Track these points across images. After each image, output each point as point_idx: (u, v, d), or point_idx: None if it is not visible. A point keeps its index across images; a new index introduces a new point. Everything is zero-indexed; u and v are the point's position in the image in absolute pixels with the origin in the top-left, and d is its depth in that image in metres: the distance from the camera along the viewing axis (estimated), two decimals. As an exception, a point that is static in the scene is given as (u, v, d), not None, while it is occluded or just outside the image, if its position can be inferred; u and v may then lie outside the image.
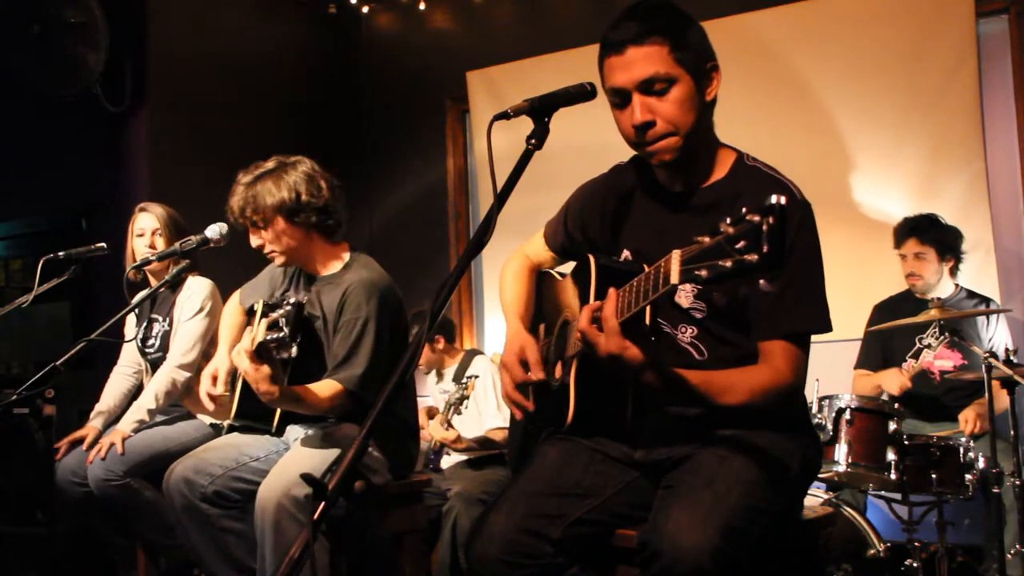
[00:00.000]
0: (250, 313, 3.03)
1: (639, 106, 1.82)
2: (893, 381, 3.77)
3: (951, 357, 3.84)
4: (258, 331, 2.49)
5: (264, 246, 2.87)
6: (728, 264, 1.31)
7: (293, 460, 2.75)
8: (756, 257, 1.28)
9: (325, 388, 2.71)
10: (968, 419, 3.65)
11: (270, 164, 2.88)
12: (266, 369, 2.45)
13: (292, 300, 2.61)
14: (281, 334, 2.46)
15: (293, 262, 2.94)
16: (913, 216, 4.04)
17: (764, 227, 1.28)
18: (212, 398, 2.82)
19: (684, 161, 1.88)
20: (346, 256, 2.97)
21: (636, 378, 1.65)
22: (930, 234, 3.92)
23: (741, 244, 1.30)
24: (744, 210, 1.31)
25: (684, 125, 1.83)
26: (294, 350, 2.53)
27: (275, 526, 2.58)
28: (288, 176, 2.84)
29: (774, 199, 1.28)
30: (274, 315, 2.52)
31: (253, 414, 2.85)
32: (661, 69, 1.79)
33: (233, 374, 2.92)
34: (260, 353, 2.46)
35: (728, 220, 1.33)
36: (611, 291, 1.63)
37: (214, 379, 2.84)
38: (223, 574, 2.87)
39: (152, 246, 3.51)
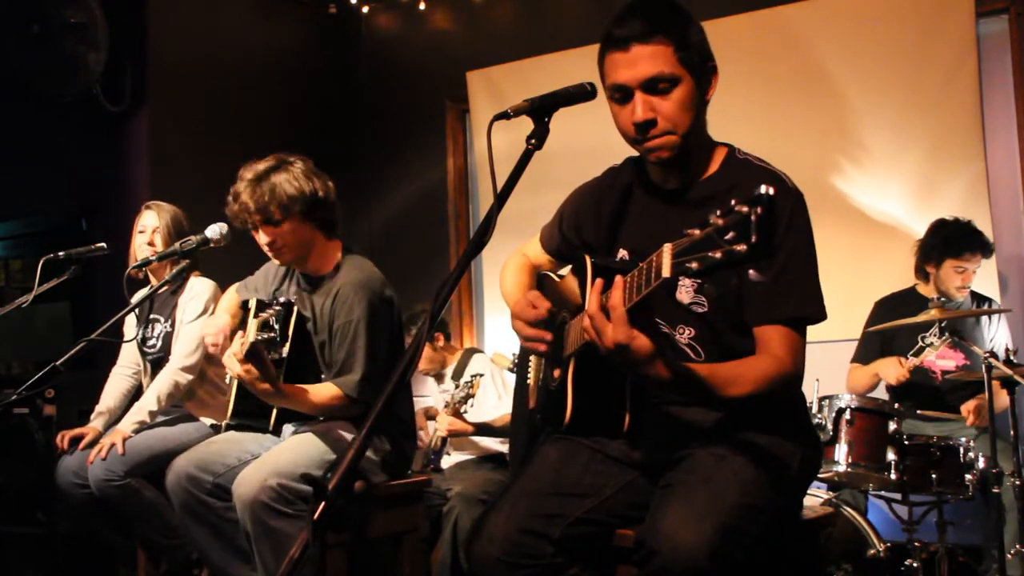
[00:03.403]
0: (244, 308, 3.05)
1: (641, 104, 1.82)
2: (891, 371, 3.75)
3: (953, 357, 3.84)
4: (249, 332, 2.51)
5: (275, 242, 2.82)
6: (718, 255, 1.32)
7: (272, 455, 2.77)
8: (745, 247, 1.29)
9: (324, 390, 2.75)
10: (970, 409, 3.65)
11: (270, 161, 2.85)
12: (255, 371, 2.49)
13: (283, 300, 2.62)
14: (272, 335, 2.49)
15: (295, 260, 2.93)
16: (972, 227, 3.91)
17: (752, 217, 1.28)
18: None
19: (679, 159, 1.89)
20: (339, 256, 2.97)
21: (642, 370, 1.60)
22: (989, 248, 3.91)
23: (730, 235, 1.30)
24: (733, 202, 1.31)
25: (683, 125, 1.84)
26: (285, 350, 2.55)
27: (254, 519, 2.59)
28: (295, 171, 2.83)
29: (762, 189, 1.29)
30: (264, 315, 2.54)
31: (250, 413, 2.87)
32: (666, 69, 1.80)
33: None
34: (250, 355, 2.48)
35: (718, 212, 1.33)
36: (618, 279, 1.59)
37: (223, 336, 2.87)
38: (228, 566, 2.88)
39: (151, 244, 3.51)
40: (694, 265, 1.36)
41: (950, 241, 3.89)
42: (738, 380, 1.74)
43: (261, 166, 2.83)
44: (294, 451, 2.76)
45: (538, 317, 1.90)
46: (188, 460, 2.89)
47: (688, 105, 1.83)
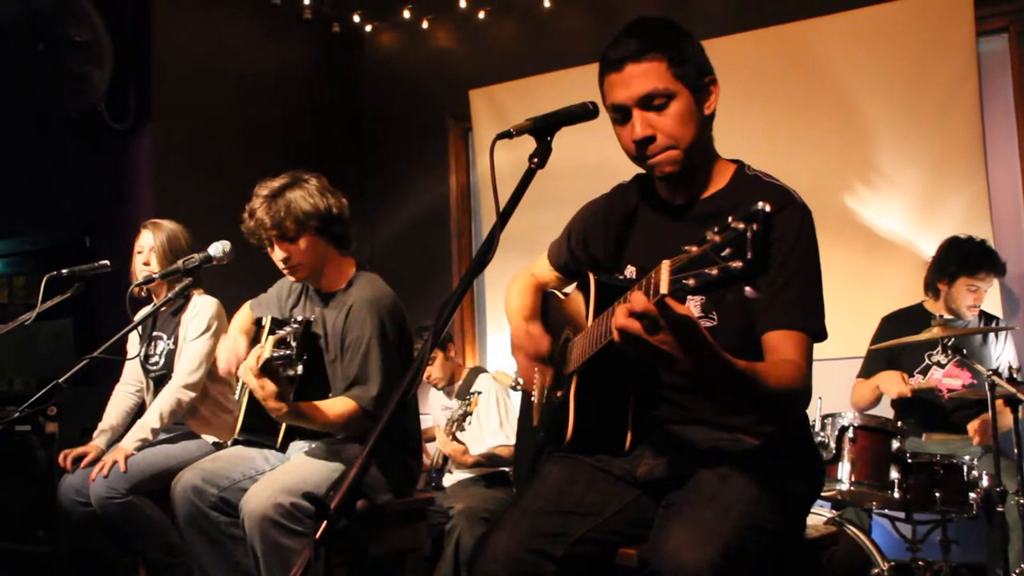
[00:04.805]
0: (258, 325, 3.04)
1: (639, 121, 1.84)
2: (892, 385, 3.73)
3: (960, 376, 3.82)
4: (265, 348, 2.50)
5: (290, 258, 2.82)
6: (714, 272, 1.31)
7: (282, 472, 2.76)
8: (741, 264, 1.28)
9: (338, 405, 2.72)
10: (976, 429, 3.64)
11: (285, 178, 2.86)
12: (271, 386, 2.46)
13: (300, 318, 2.61)
14: (288, 352, 2.47)
15: (310, 277, 2.92)
16: (988, 247, 3.90)
17: (748, 234, 1.28)
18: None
19: (685, 174, 1.90)
20: (351, 273, 2.97)
21: (701, 348, 1.51)
22: (1002, 269, 3.90)
23: (727, 252, 1.30)
24: (729, 218, 1.31)
25: (684, 139, 1.85)
26: (300, 368, 2.53)
27: (263, 536, 2.58)
28: (310, 187, 2.84)
29: (759, 205, 1.28)
30: (281, 332, 2.52)
31: (258, 429, 2.86)
32: (660, 85, 1.82)
33: (240, 390, 2.94)
34: (265, 370, 2.47)
35: (715, 228, 1.33)
36: (632, 294, 1.50)
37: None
38: None
39: (147, 263, 3.52)
40: (691, 282, 1.35)
41: (967, 259, 3.86)
42: (769, 374, 1.69)
43: (276, 183, 2.84)
44: (304, 469, 2.75)
45: (537, 352, 1.96)
46: (195, 472, 2.89)
47: (686, 119, 1.84)
